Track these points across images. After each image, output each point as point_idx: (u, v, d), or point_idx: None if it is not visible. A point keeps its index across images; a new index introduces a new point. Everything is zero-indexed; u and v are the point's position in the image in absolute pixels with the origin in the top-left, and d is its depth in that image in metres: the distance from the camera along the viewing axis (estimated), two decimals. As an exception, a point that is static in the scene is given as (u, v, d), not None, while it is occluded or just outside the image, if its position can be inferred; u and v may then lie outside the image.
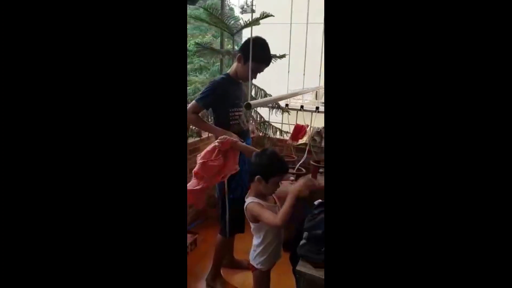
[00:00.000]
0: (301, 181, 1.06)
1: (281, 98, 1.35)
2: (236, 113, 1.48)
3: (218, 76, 1.55)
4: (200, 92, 1.47)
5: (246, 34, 2.82)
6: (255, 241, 1.16)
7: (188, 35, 5.86)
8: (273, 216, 1.03)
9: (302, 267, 0.94)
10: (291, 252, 1.14)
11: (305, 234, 1.01)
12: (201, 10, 2.00)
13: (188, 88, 2.59)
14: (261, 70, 1.44)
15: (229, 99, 1.46)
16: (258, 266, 1.16)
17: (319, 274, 0.89)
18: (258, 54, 1.34)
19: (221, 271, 1.64)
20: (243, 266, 1.74)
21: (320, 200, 1.11)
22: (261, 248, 1.13)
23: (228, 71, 1.53)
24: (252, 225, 1.14)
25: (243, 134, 1.49)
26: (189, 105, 1.43)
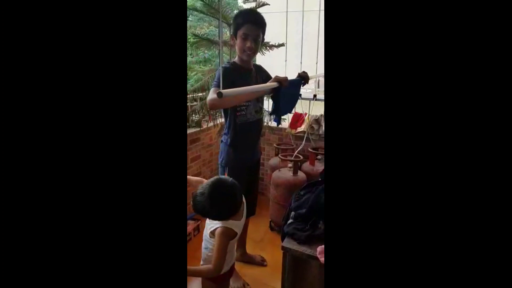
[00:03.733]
0: None
1: (252, 90, 1.24)
2: (243, 104, 1.36)
3: (225, 63, 1.40)
4: (214, 80, 1.34)
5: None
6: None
7: (193, 27, 5.85)
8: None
9: (288, 243, 0.99)
10: (282, 231, 1.20)
11: (292, 214, 1.06)
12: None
13: (193, 77, 2.64)
14: (251, 33, 1.28)
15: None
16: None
17: (302, 249, 0.94)
18: (238, 20, 1.29)
19: (237, 264, 1.65)
20: (256, 261, 1.76)
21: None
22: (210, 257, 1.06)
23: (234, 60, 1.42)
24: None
25: (249, 126, 1.40)
26: (210, 93, 1.26)
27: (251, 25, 1.28)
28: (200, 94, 2.22)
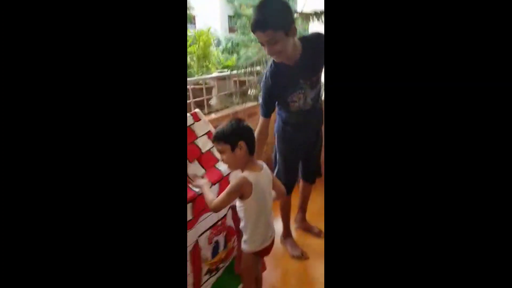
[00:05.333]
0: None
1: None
2: (295, 97, 1.32)
3: (265, 70, 1.33)
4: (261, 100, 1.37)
5: None
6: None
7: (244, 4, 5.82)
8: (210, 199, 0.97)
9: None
10: None
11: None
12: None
13: (244, 54, 2.65)
14: (262, 39, 1.13)
15: (285, 91, 1.31)
16: (242, 246, 1.08)
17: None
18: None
19: (296, 232, 1.71)
20: (313, 232, 1.75)
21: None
22: (242, 226, 1.05)
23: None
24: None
25: (305, 113, 1.37)
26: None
27: (257, 32, 1.12)
28: (258, 67, 2.22)
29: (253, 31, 1.13)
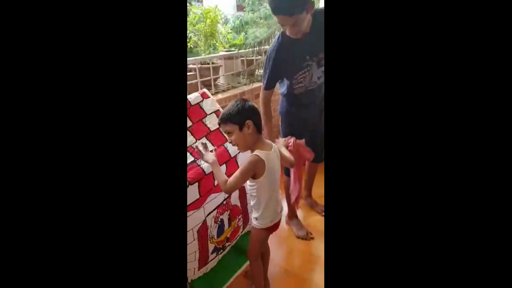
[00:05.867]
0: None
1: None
2: (300, 76, 1.30)
3: (273, 42, 1.29)
4: (263, 71, 1.34)
5: None
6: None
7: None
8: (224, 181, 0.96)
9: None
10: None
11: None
12: None
13: (253, 33, 2.59)
14: (285, 23, 1.12)
15: (291, 67, 1.28)
16: (254, 223, 1.09)
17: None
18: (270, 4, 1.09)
19: (300, 208, 1.73)
20: (317, 210, 1.78)
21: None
22: (254, 205, 1.06)
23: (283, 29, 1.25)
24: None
25: (310, 93, 1.35)
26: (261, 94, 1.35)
27: (283, 16, 1.09)
28: (266, 46, 2.17)
29: (276, 14, 1.09)
